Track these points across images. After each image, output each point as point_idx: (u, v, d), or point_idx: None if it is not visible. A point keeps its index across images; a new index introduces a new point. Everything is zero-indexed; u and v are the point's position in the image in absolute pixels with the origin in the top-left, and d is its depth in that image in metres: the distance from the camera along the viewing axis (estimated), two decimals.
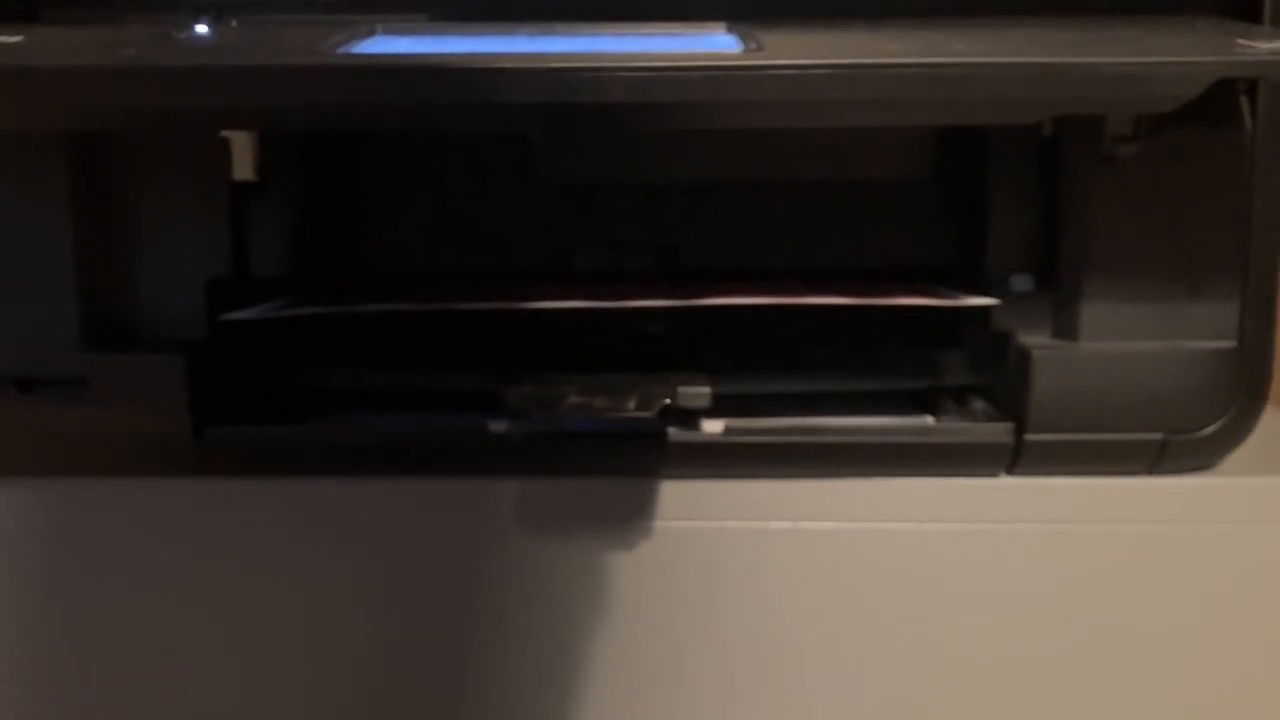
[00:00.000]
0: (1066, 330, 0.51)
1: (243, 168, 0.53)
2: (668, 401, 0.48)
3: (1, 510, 0.51)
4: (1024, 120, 0.48)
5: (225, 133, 0.52)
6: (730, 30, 0.47)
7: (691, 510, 0.51)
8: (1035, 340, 0.51)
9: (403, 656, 0.51)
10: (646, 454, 0.51)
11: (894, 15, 0.48)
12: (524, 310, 0.50)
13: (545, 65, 0.40)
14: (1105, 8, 0.48)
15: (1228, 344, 0.50)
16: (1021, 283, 0.53)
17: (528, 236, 0.60)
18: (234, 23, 0.48)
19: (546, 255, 0.60)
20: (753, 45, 0.43)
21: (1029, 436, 0.50)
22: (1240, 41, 0.43)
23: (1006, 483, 0.51)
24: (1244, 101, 0.48)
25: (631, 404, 0.48)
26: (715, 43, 0.45)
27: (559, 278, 0.59)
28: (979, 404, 0.54)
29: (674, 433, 0.51)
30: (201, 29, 0.47)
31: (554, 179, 0.59)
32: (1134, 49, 0.42)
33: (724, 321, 0.51)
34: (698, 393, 0.50)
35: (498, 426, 0.51)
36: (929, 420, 0.56)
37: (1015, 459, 0.51)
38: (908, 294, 0.51)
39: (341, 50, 0.43)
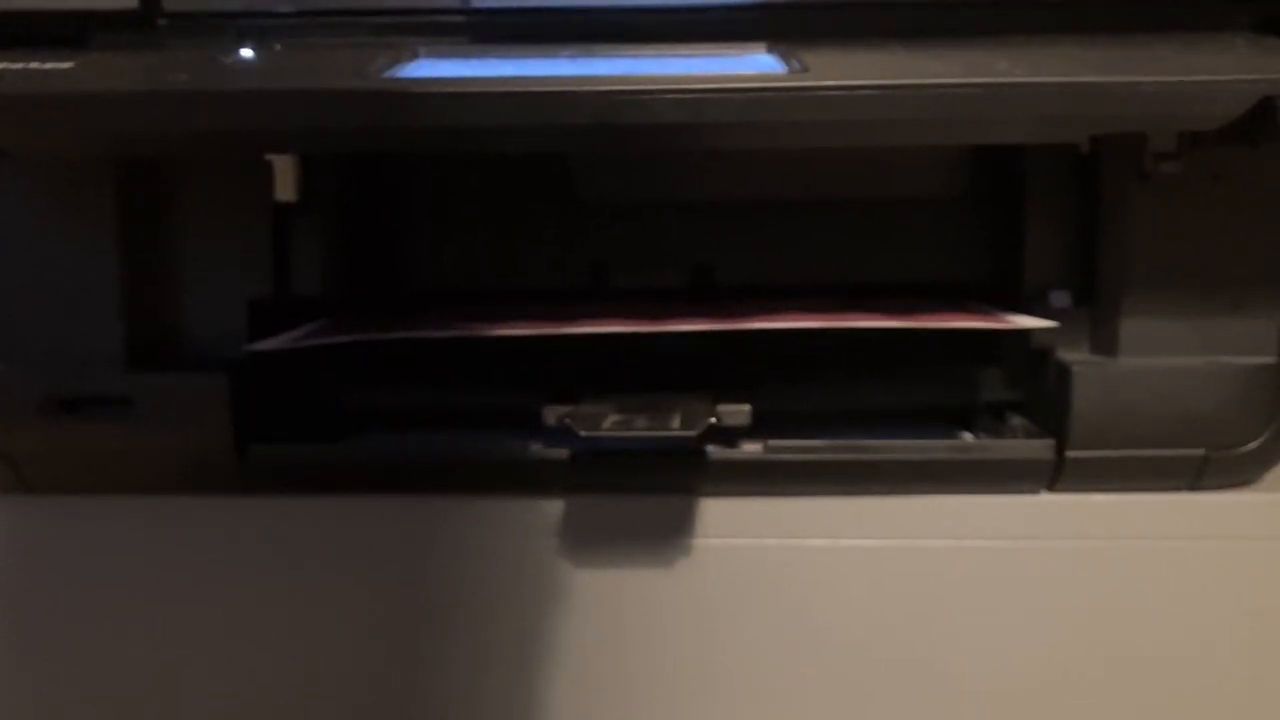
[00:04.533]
0: (1106, 346, 0.51)
1: (285, 189, 0.53)
2: (712, 421, 0.48)
3: (47, 527, 0.51)
4: (1067, 139, 0.48)
5: (269, 155, 0.52)
6: (771, 50, 0.47)
7: (730, 528, 0.51)
8: (1074, 356, 0.51)
9: (443, 674, 0.51)
10: (686, 472, 0.51)
11: (929, 34, 0.48)
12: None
13: (595, 88, 0.41)
14: (1142, 25, 0.48)
15: (1268, 359, 0.50)
16: (1059, 299, 0.53)
17: (564, 254, 0.60)
18: (278, 46, 0.48)
19: (583, 272, 0.60)
20: (796, 66, 0.43)
21: (1070, 453, 0.50)
22: None
23: (1047, 500, 0.51)
24: None
25: (675, 423, 0.48)
26: (758, 64, 0.45)
27: (595, 295, 0.59)
28: (1017, 420, 0.54)
29: (713, 451, 0.51)
30: (247, 53, 0.47)
31: (590, 197, 0.59)
32: (1178, 67, 0.42)
33: (760, 338, 0.51)
34: (738, 411, 0.50)
35: (537, 446, 0.51)
36: (967, 437, 0.56)
37: (1056, 476, 0.51)
38: (948, 312, 0.51)
39: (387, 74, 0.44)
